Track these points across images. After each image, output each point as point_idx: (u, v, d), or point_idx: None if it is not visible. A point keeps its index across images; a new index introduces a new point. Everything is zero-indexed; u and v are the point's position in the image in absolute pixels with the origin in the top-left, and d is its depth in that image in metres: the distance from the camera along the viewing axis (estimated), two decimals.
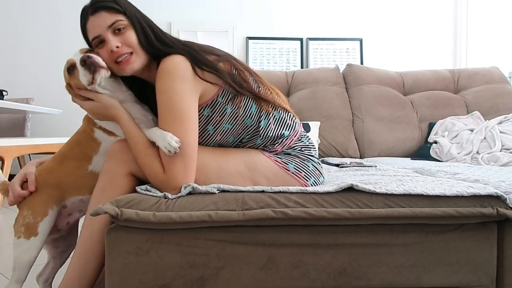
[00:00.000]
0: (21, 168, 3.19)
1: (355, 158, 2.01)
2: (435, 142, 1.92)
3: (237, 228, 0.78)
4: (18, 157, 3.14)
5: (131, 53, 0.88)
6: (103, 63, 0.86)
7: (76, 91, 0.91)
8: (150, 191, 0.83)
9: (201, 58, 0.88)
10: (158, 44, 0.89)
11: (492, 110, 2.07)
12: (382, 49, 3.72)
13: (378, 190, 0.79)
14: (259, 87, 0.97)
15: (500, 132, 1.71)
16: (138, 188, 0.84)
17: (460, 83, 2.29)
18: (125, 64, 0.87)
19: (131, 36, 0.87)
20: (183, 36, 3.60)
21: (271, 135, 0.95)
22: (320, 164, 1.02)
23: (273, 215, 0.75)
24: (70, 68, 0.89)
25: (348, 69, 2.32)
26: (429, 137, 2.00)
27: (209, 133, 0.94)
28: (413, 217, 0.78)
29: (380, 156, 2.02)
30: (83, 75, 0.85)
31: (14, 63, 3.51)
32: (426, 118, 2.13)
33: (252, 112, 0.93)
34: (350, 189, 0.81)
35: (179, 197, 0.80)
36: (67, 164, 0.95)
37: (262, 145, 0.97)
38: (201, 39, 3.69)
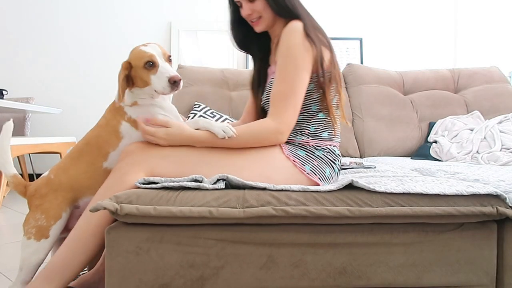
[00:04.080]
0: (21, 167, 3.20)
1: (355, 157, 2.01)
2: (435, 142, 1.91)
3: (237, 227, 0.78)
4: (18, 157, 3.14)
5: (260, 17, 1.07)
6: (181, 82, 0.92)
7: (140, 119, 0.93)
8: (149, 182, 0.83)
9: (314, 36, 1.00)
10: (285, 7, 1.04)
11: (492, 110, 2.07)
12: (382, 49, 3.72)
13: (378, 189, 0.79)
14: (336, 96, 1.08)
15: (500, 131, 1.71)
16: (136, 183, 0.83)
17: (460, 83, 2.29)
18: (255, 25, 1.10)
19: (259, 5, 1.05)
20: (183, 36, 3.60)
21: (318, 126, 1.05)
22: (337, 175, 1.05)
23: (273, 213, 0.75)
24: (149, 63, 0.89)
25: (348, 68, 2.32)
26: (429, 136, 2.00)
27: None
28: (413, 216, 0.78)
29: (380, 156, 2.01)
30: (165, 87, 0.89)
31: (14, 63, 3.51)
32: (426, 118, 2.13)
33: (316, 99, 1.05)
34: (351, 188, 0.81)
35: (215, 188, 0.81)
36: (82, 160, 0.94)
37: (306, 130, 1.05)
38: (201, 39, 3.69)
